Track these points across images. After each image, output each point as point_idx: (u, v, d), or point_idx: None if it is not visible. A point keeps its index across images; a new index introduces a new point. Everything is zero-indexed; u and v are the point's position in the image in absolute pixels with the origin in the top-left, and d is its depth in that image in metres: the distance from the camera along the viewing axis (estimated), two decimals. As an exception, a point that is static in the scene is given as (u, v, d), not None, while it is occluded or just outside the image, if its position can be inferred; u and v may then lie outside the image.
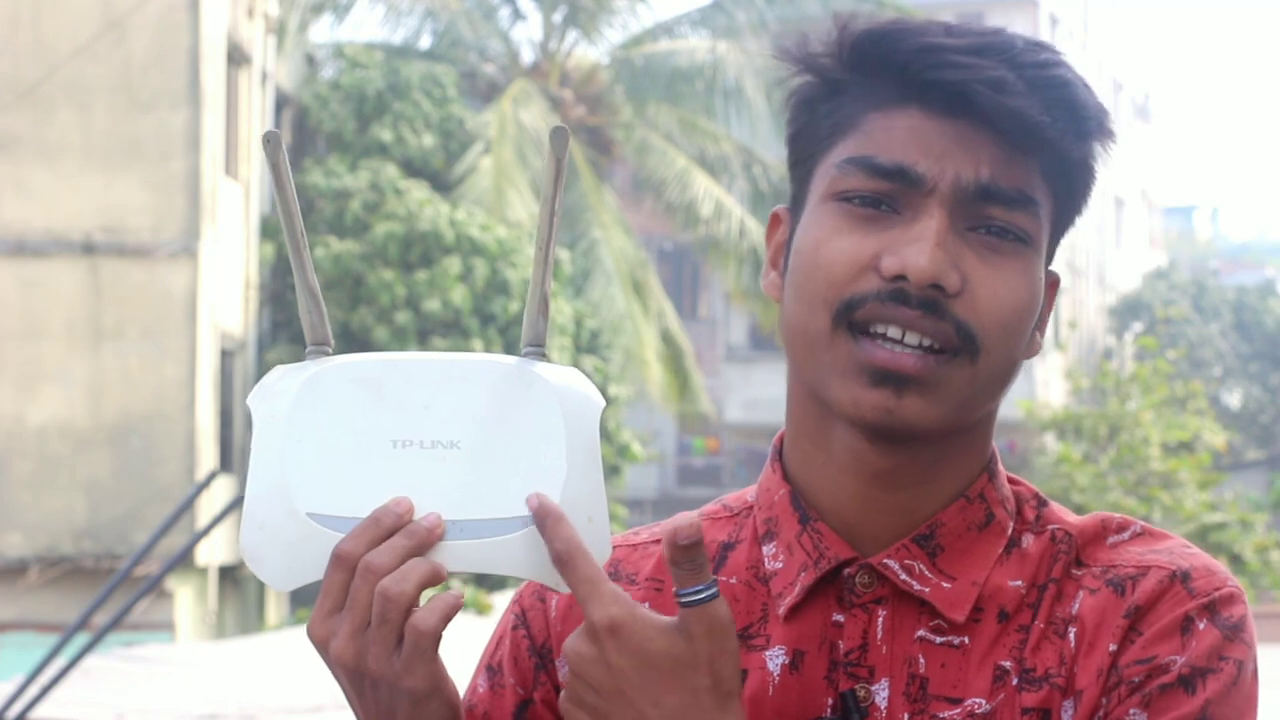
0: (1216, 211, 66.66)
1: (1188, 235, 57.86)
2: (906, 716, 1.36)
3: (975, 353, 1.34)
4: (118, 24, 16.77)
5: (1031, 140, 1.34)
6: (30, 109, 16.75)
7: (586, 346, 20.30)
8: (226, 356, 17.94)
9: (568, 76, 22.76)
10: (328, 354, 1.35)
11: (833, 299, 1.34)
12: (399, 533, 1.28)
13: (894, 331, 1.33)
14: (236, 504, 4.36)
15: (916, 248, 1.32)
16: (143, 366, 16.68)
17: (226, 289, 17.75)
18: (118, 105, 16.77)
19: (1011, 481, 1.44)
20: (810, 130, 1.40)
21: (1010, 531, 1.41)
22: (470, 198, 19.92)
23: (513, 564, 1.30)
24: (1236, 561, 21.15)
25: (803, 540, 1.40)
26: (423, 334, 18.78)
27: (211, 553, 16.53)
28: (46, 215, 16.71)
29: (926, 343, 1.33)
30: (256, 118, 18.82)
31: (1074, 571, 1.39)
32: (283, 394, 1.33)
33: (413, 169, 20.04)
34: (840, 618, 1.39)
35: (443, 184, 20.21)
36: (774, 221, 1.44)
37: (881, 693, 1.36)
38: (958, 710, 1.35)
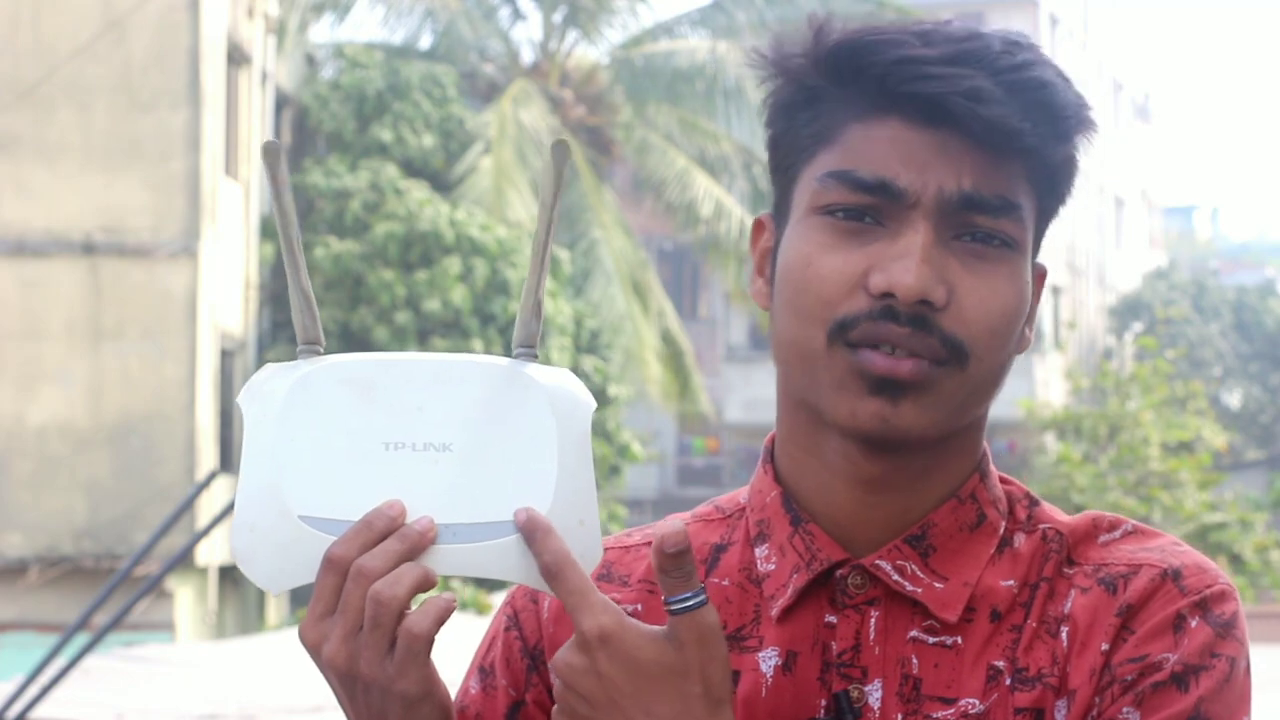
0: (1216, 211, 66.63)
1: (1188, 235, 57.86)
2: (900, 717, 1.36)
3: (965, 361, 1.35)
4: (118, 24, 16.78)
5: (1012, 147, 1.34)
6: (30, 109, 16.75)
7: (586, 346, 20.31)
8: (226, 356, 17.95)
9: (568, 76, 22.76)
10: (319, 354, 1.35)
11: (826, 317, 1.34)
12: (391, 536, 1.28)
13: (884, 347, 1.34)
14: (236, 504, 4.33)
15: (902, 265, 1.32)
16: (143, 366, 16.68)
17: (226, 289, 17.75)
18: (118, 105, 16.77)
19: (1003, 481, 1.45)
20: (790, 138, 1.40)
21: (1002, 531, 1.41)
22: (470, 198, 19.92)
23: (505, 568, 1.30)
24: (1236, 561, 21.15)
25: (795, 542, 1.40)
26: (423, 334, 18.79)
27: (211, 553, 16.53)
28: (46, 215, 16.72)
29: (920, 352, 1.34)
30: (257, 118, 18.82)
31: (1066, 570, 1.39)
32: (273, 394, 1.32)
33: (413, 169, 20.04)
34: (833, 619, 1.39)
35: (443, 184, 20.21)
36: (758, 228, 1.44)
37: (875, 693, 1.37)
38: (951, 710, 1.36)
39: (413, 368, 1.33)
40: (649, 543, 1.47)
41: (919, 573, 1.38)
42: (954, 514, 1.40)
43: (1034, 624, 1.37)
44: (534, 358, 1.34)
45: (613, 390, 20.21)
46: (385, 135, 19.83)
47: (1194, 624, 1.34)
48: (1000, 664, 1.36)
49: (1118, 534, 1.41)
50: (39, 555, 16.50)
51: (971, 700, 1.36)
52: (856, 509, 1.39)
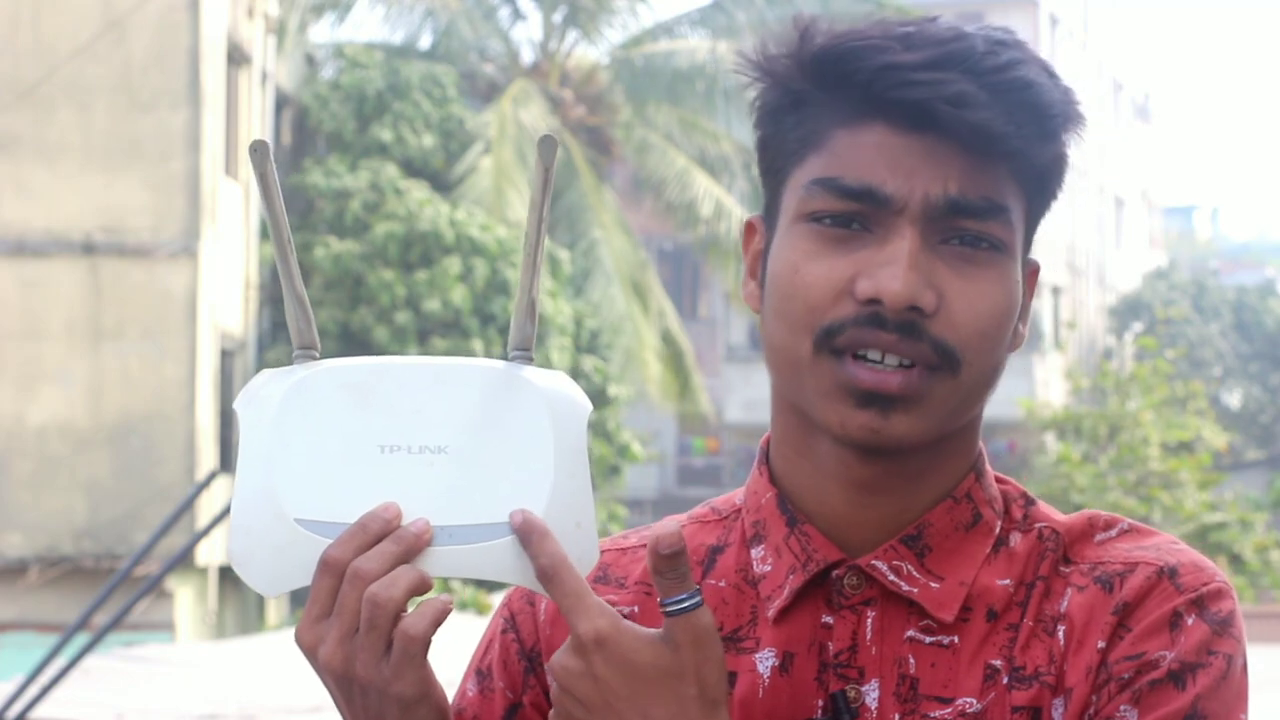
0: (1216, 211, 66.70)
1: (1188, 235, 57.89)
2: (897, 717, 1.36)
3: (956, 367, 1.34)
4: (118, 24, 16.78)
5: (997, 150, 1.34)
6: (30, 109, 16.76)
7: (586, 347, 20.32)
8: (226, 356, 17.95)
9: (568, 76, 22.78)
10: (315, 358, 1.35)
11: (813, 324, 1.34)
12: (387, 539, 1.28)
13: (874, 355, 1.33)
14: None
15: (889, 271, 1.32)
16: (143, 366, 16.69)
17: (226, 289, 17.76)
18: (118, 105, 16.78)
19: (999, 481, 1.44)
20: (777, 141, 1.40)
21: (998, 531, 1.41)
22: (470, 198, 19.94)
23: (500, 569, 1.30)
24: (1236, 561, 21.17)
25: (790, 543, 1.40)
26: (423, 334, 18.80)
27: (211, 553, 16.54)
28: (46, 215, 16.72)
29: (906, 362, 1.34)
30: (257, 118, 18.83)
31: (1062, 569, 1.39)
32: (269, 398, 1.33)
33: (413, 169, 20.05)
34: (829, 619, 1.39)
35: (443, 184, 20.22)
36: (749, 231, 1.44)
37: (872, 693, 1.37)
38: (948, 710, 1.36)
39: (408, 371, 1.33)
40: (645, 544, 1.45)
41: (915, 573, 1.38)
42: (949, 514, 1.40)
43: (1030, 622, 1.37)
44: (530, 360, 1.34)
45: (613, 390, 20.22)
46: (385, 135, 19.85)
47: (1190, 622, 1.34)
48: (997, 663, 1.36)
49: (1114, 532, 1.41)
50: (39, 555, 16.51)
51: (969, 700, 1.35)
52: (851, 510, 1.39)
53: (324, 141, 20.64)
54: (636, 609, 1.43)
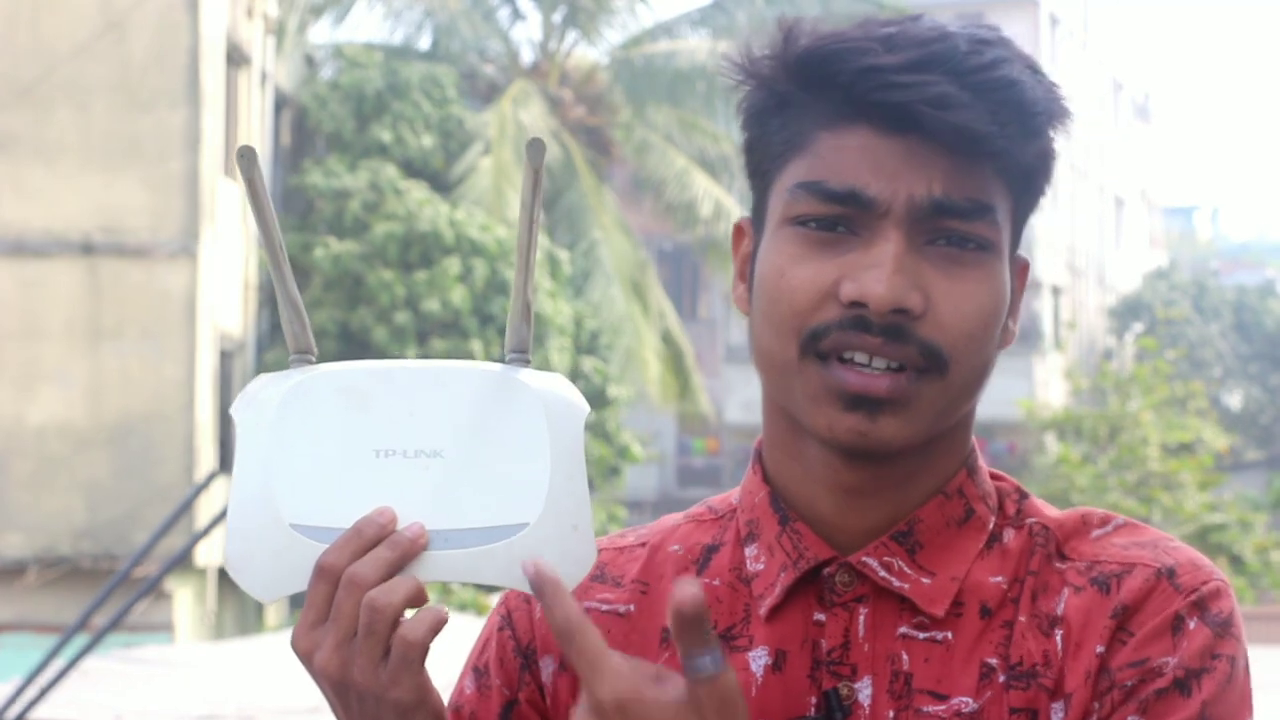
0: (1217, 212, 66.73)
1: (1188, 235, 57.93)
2: (891, 713, 1.36)
3: (944, 368, 1.34)
4: (117, 24, 16.79)
5: (981, 150, 1.33)
6: (29, 109, 16.77)
7: (586, 347, 20.33)
8: (225, 357, 17.97)
9: (567, 77, 22.79)
10: (311, 363, 1.35)
11: (798, 328, 1.34)
12: (382, 544, 1.28)
13: (861, 357, 1.33)
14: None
15: (874, 274, 1.32)
16: (142, 367, 16.70)
17: (225, 289, 17.77)
18: (117, 105, 16.79)
19: (994, 477, 1.44)
20: (763, 144, 1.39)
21: (991, 527, 1.40)
22: (470, 198, 19.95)
23: (496, 573, 1.30)
24: (1236, 562, 21.18)
25: (782, 541, 1.40)
26: (422, 334, 18.81)
27: (210, 554, 16.54)
28: (45, 215, 16.73)
29: (894, 365, 1.33)
30: (256, 118, 18.84)
31: (1057, 564, 1.38)
32: (266, 403, 1.33)
33: (412, 169, 20.07)
34: (822, 617, 1.39)
35: (442, 184, 20.24)
36: (738, 233, 1.44)
37: (864, 691, 1.36)
38: (943, 707, 1.35)
39: (404, 375, 1.33)
40: (643, 544, 1.48)
41: (906, 569, 1.38)
42: (940, 510, 1.39)
43: (1024, 618, 1.37)
44: (527, 362, 1.34)
45: (612, 391, 20.23)
46: (385, 135, 19.86)
47: (1193, 625, 1.34)
48: (993, 661, 1.36)
49: (1109, 528, 1.40)
50: (38, 556, 16.52)
51: (965, 699, 1.35)
52: (842, 512, 1.39)
53: (323, 142, 20.65)
54: (633, 607, 1.44)
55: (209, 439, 16.93)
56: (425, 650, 1.27)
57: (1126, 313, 39.63)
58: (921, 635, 1.37)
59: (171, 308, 16.76)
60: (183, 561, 8.70)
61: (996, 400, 24.47)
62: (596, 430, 20.19)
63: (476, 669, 1.47)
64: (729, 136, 22.12)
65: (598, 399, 20.07)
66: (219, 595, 17.32)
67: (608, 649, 1.24)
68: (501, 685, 1.46)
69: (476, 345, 18.61)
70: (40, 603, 16.39)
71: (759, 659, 1.39)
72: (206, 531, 5.77)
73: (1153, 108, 47.96)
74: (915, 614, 1.38)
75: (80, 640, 8.51)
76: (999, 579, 1.38)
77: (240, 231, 18.40)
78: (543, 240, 19.91)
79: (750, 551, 1.43)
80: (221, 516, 5.40)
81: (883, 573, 1.38)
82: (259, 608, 18.30)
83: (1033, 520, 1.41)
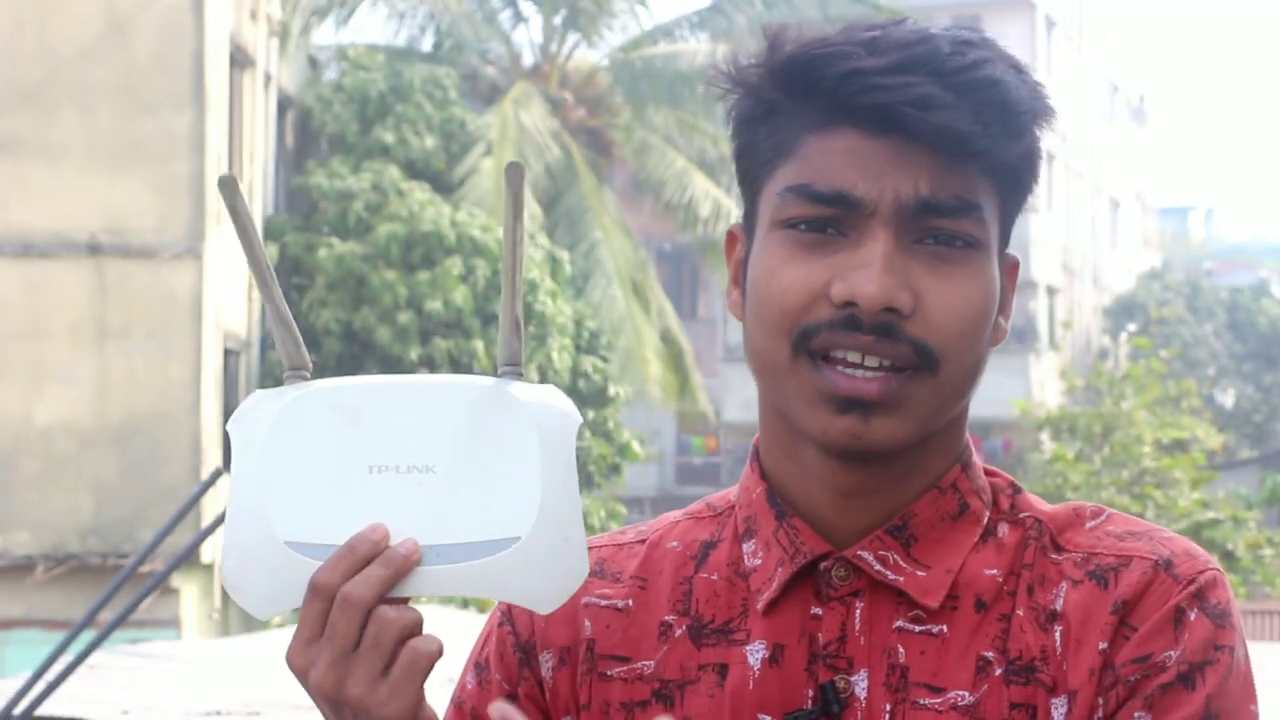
0: (1211, 212, 66.57)
1: (1182, 236, 57.87)
2: (888, 706, 1.36)
3: (935, 366, 1.35)
4: (121, 26, 16.83)
5: (966, 150, 1.34)
6: (34, 111, 16.79)
7: (586, 347, 20.36)
8: (231, 356, 18.00)
9: (568, 79, 22.82)
10: (305, 379, 1.35)
11: (789, 328, 1.35)
12: (376, 561, 1.28)
13: (853, 356, 1.34)
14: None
15: (864, 274, 1.33)
16: (148, 366, 16.72)
17: (231, 289, 17.80)
18: (121, 107, 16.80)
19: (989, 473, 1.44)
20: (751, 150, 1.41)
21: (986, 521, 1.41)
22: (472, 199, 19.96)
23: (491, 587, 1.30)
24: (1229, 559, 21.23)
25: (779, 536, 1.41)
26: (424, 334, 18.84)
27: (216, 550, 16.56)
28: (51, 216, 16.75)
29: (886, 363, 1.34)
30: (260, 120, 18.88)
31: (1052, 556, 1.39)
32: (260, 420, 1.33)
33: (415, 170, 20.07)
34: (818, 611, 1.39)
35: (444, 185, 20.24)
36: (730, 240, 1.45)
37: (861, 684, 1.37)
38: (939, 700, 1.36)
39: (397, 390, 1.33)
40: (642, 540, 1.50)
41: (901, 562, 1.38)
42: (935, 504, 1.40)
43: (1022, 612, 1.37)
44: (519, 376, 1.34)
45: (612, 390, 20.27)
46: (387, 137, 19.87)
47: (1193, 617, 1.34)
48: (990, 654, 1.36)
49: (1102, 519, 1.41)
50: (45, 553, 16.54)
51: (961, 692, 1.36)
52: (838, 510, 1.40)
53: (327, 143, 20.66)
54: (631, 602, 1.45)
55: (214, 438, 16.95)
56: (435, 662, 1.29)
57: (1121, 313, 39.65)
58: (917, 629, 1.37)
59: (177, 308, 16.78)
60: (189, 558, 8.77)
61: (992, 399, 24.50)
62: (597, 428, 20.25)
63: (478, 664, 1.49)
64: (728, 138, 22.09)
65: (598, 398, 20.13)
66: (224, 591, 17.33)
67: None
68: (501, 680, 1.47)
69: (479, 345, 18.67)
70: (48, 599, 16.43)
71: (756, 652, 1.39)
72: (212, 529, 5.83)
73: (1148, 109, 47.94)
74: (911, 607, 1.38)
75: (87, 636, 8.57)
76: (994, 572, 1.39)
77: (244, 232, 18.42)
78: (543, 240, 19.94)
79: (748, 547, 1.43)
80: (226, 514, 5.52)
81: (878, 566, 1.38)
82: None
83: (1026, 514, 1.42)
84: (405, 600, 1.30)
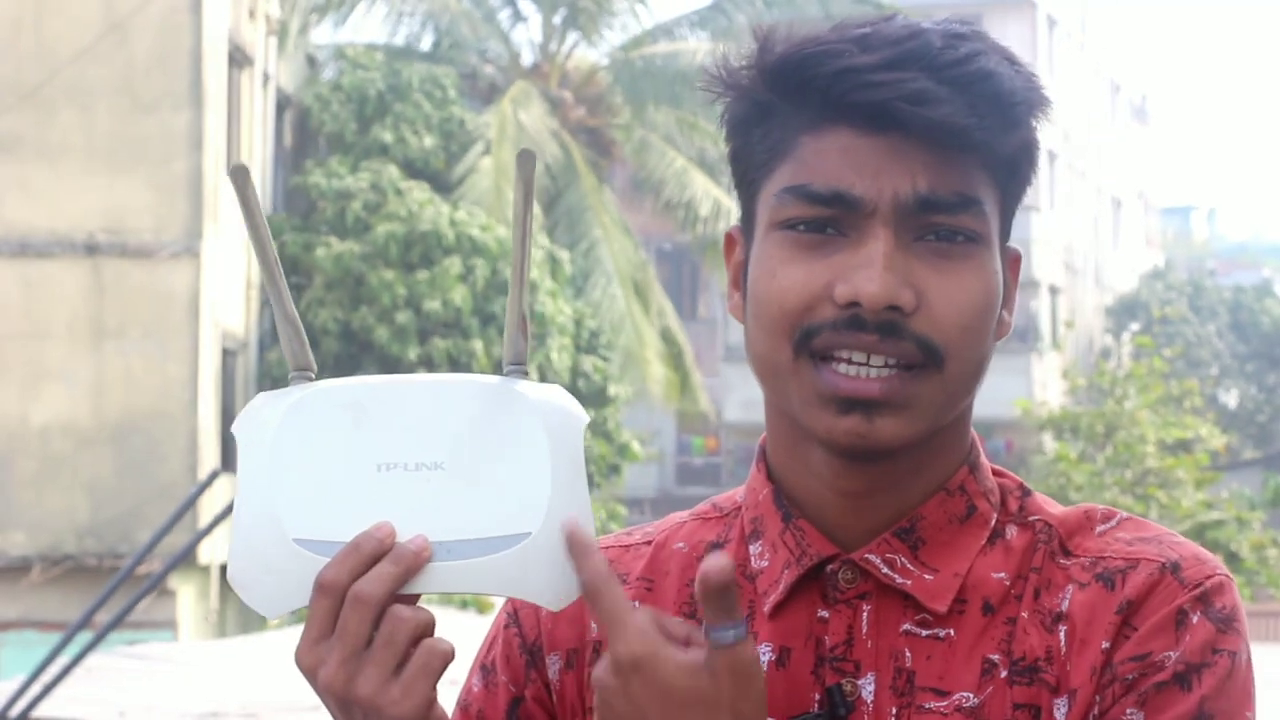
0: (1213, 212, 66.75)
1: (1185, 236, 57.96)
2: (894, 710, 1.36)
3: (940, 363, 1.34)
4: (120, 26, 16.83)
5: (962, 144, 1.33)
6: (33, 110, 16.80)
7: (586, 346, 20.36)
8: (228, 356, 18.00)
9: (568, 78, 22.83)
10: (310, 379, 1.35)
11: (791, 329, 1.34)
12: (386, 559, 1.28)
13: (858, 356, 1.33)
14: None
15: (865, 273, 1.32)
16: (145, 366, 16.73)
17: (228, 289, 17.80)
18: (120, 106, 16.81)
19: (997, 474, 1.44)
20: (746, 152, 1.40)
21: (994, 523, 1.40)
22: (470, 198, 19.98)
23: (500, 583, 1.30)
24: (1233, 560, 21.22)
25: (785, 538, 1.41)
26: (423, 334, 18.85)
27: (213, 551, 16.57)
28: (49, 216, 16.76)
29: (891, 362, 1.33)
30: (258, 119, 18.88)
31: (1061, 561, 1.39)
32: (267, 420, 1.33)
33: (413, 170, 20.09)
34: (825, 613, 1.39)
35: (443, 184, 20.26)
36: (729, 242, 1.44)
37: (868, 687, 1.37)
38: (945, 703, 1.35)
39: (404, 389, 1.33)
40: (648, 542, 1.49)
41: (909, 565, 1.38)
42: (943, 506, 1.39)
43: (1026, 614, 1.37)
44: (525, 374, 1.34)
45: (613, 390, 20.26)
46: (386, 136, 19.89)
47: (1195, 620, 1.33)
48: (995, 657, 1.36)
49: (1113, 523, 1.40)
50: (42, 554, 16.55)
51: (966, 694, 1.35)
52: (844, 511, 1.40)
53: (325, 142, 20.68)
54: (637, 604, 1.42)
55: (212, 438, 16.97)
56: (448, 663, 1.28)
57: (1123, 312, 39.68)
58: (924, 632, 1.37)
59: (174, 307, 16.79)
60: (186, 559, 8.75)
61: (994, 399, 24.48)
62: (597, 428, 20.24)
63: (484, 666, 1.48)
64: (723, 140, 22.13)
65: (598, 397, 20.12)
66: (222, 593, 17.34)
67: (631, 608, 1.27)
68: (508, 682, 1.46)
69: (478, 344, 18.66)
70: (44, 600, 16.43)
71: (763, 655, 1.39)
72: (209, 529, 5.80)
73: (1150, 109, 47.98)
74: (918, 611, 1.37)
75: (84, 638, 8.55)
76: (1001, 575, 1.38)
77: (242, 231, 18.42)
78: (543, 240, 19.92)
79: (755, 549, 1.42)
80: (224, 515, 5.47)
81: (885, 569, 1.37)
82: (261, 605, 18.30)
83: (1035, 517, 1.41)
84: (415, 598, 1.30)
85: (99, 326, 16.75)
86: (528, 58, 23.29)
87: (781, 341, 1.35)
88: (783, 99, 1.36)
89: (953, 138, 1.32)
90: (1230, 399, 39.85)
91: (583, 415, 1.34)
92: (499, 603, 1.49)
